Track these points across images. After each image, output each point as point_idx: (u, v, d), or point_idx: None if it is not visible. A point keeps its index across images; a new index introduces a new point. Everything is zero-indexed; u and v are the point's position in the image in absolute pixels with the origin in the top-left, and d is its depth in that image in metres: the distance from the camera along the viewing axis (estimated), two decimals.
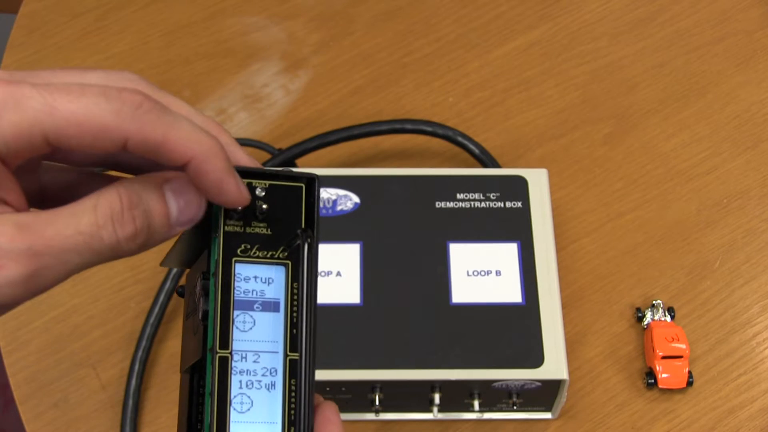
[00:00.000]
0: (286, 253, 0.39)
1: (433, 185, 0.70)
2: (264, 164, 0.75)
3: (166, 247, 0.43)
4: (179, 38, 0.87)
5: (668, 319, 0.71)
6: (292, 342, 0.39)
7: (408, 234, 0.68)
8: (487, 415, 0.68)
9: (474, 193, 0.70)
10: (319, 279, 0.66)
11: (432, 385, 0.64)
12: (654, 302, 0.72)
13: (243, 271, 0.39)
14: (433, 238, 0.68)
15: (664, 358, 0.68)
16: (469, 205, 0.69)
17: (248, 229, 0.39)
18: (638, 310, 0.72)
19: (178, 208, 0.37)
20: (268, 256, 0.39)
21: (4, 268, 0.33)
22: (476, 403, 0.65)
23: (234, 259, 0.39)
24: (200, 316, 0.39)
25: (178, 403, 0.43)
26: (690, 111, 0.83)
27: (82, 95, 0.35)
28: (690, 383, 0.69)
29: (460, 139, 0.76)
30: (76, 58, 0.86)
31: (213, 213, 0.39)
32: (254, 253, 0.39)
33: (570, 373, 0.68)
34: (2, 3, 1.21)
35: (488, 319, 0.65)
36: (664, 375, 0.68)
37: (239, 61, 0.86)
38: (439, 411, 0.66)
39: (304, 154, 0.76)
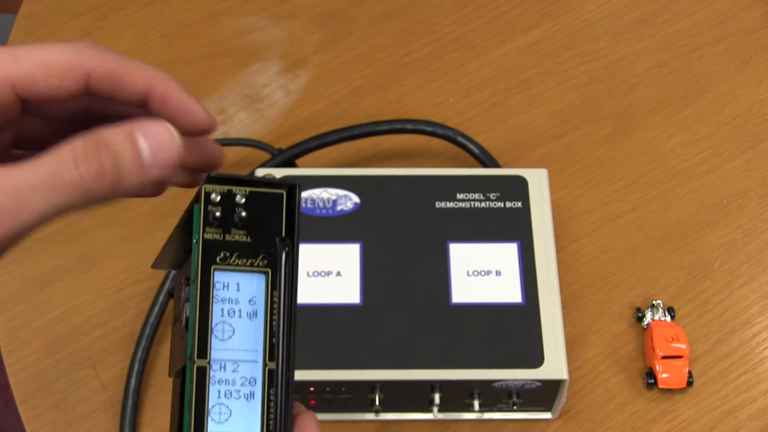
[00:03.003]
0: (266, 261, 0.39)
1: (433, 185, 0.70)
2: (264, 164, 0.75)
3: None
4: (179, 38, 0.87)
5: (668, 319, 0.71)
6: (271, 351, 0.38)
7: (408, 234, 0.68)
8: (487, 415, 0.68)
9: (474, 193, 0.70)
10: (319, 279, 0.66)
11: (432, 385, 0.64)
12: (654, 302, 0.72)
13: (222, 278, 0.38)
14: (433, 238, 0.68)
15: (664, 358, 0.68)
16: (469, 205, 0.69)
17: (228, 237, 0.38)
18: (638, 310, 0.72)
19: (149, 147, 0.36)
20: (248, 264, 0.39)
21: None
22: (476, 403, 0.65)
23: (213, 266, 0.38)
24: (183, 324, 0.38)
25: (170, 407, 0.42)
26: (690, 111, 0.83)
27: (41, 45, 0.37)
28: (690, 383, 0.69)
29: (460, 139, 0.76)
30: None
31: (193, 218, 0.39)
32: (234, 261, 0.38)
33: (570, 373, 0.68)
34: (2, 3, 1.21)
35: (488, 319, 0.65)
36: (664, 375, 0.68)
37: (239, 61, 0.86)
38: (439, 411, 0.66)
39: (304, 154, 0.76)
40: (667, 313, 0.71)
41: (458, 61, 0.86)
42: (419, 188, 0.70)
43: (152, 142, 0.37)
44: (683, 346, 0.68)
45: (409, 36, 0.87)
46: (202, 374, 0.37)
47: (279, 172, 0.71)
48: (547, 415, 0.68)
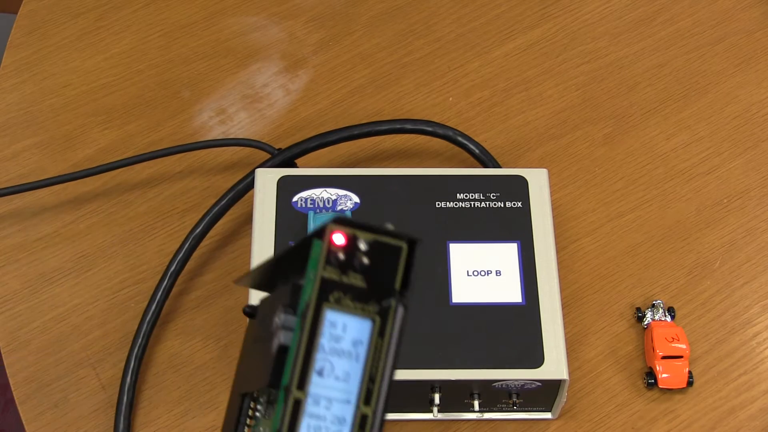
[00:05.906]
0: (377, 308, 0.39)
1: (433, 185, 0.70)
2: (264, 164, 0.75)
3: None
4: (179, 38, 0.87)
5: (668, 319, 0.71)
6: (366, 395, 0.39)
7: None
8: (487, 415, 0.68)
9: (474, 193, 0.70)
10: None
11: (432, 385, 0.64)
12: (654, 302, 0.72)
13: (332, 318, 0.39)
14: (433, 238, 0.68)
15: (664, 358, 0.68)
16: (469, 205, 0.69)
17: (344, 279, 0.39)
18: (638, 310, 0.72)
19: None
20: (359, 308, 0.39)
21: None
22: (476, 403, 0.65)
23: (326, 304, 0.39)
24: (274, 349, 0.39)
25: (224, 422, 0.44)
26: (690, 111, 0.83)
27: None
28: (690, 383, 0.69)
29: (460, 139, 0.76)
30: (76, 58, 0.86)
31: (313, 252, 0.39)
32: (346, 302, 0.39)
33: (570, 373, 0.68)
34: (2, 3, 1.21)
35: (488, 319, 0.65)
36: (664, 375, 0.68)
37: (239, 61, 0.86)
38: (439, 411, 0.66)
39: (304, 154, 0.76)
40: (667, 313, 0.71)
41: (458, 61, 0.86)
42: (419, 188, 0.70)
43: None
44: (683, 346, 0.68)
45: (409, 36, 0.87)
46: (298, 406, 0.38)
47: (279, 172, 0.71)
48: (547, 415, 0.68)
